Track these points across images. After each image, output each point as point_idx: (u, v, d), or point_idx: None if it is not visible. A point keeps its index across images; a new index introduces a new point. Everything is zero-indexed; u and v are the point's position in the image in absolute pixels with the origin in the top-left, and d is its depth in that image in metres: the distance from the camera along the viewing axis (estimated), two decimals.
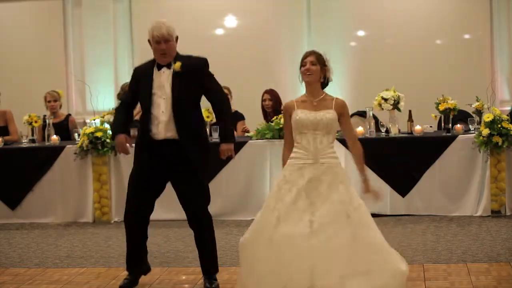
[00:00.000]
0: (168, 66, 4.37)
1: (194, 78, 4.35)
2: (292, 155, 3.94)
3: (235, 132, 7.50)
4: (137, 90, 4.46)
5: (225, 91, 7.61)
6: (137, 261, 4.55)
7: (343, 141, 4.00)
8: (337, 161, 3.91)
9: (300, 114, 3.92)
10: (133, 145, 4.52)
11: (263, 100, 7.61)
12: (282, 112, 4.21)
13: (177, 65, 4.33)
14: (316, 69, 3.97)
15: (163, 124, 4.31)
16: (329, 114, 3.91)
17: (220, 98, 4.47)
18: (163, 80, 4.34)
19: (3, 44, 9.59)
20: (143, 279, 4.79)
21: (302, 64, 4.00)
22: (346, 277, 3.57)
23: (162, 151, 4.33)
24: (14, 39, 9.59)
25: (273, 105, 7.49)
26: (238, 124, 7.59)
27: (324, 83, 4.04)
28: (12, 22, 9.65)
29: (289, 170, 3.89)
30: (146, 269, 4.69)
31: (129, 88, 4.62)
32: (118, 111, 4.69)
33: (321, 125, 3.89)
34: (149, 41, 4.41)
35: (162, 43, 4.31)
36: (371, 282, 3.60)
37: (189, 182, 4.37)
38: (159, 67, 4.38)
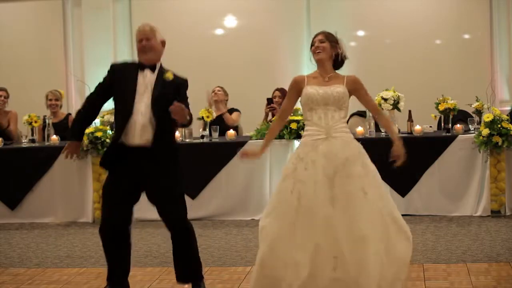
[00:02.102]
0: (152, 69, 4.19)
1: (174, 91, 4.16)
2: (304, 133, 3.92)
3: (231, 119, 7.59)
4: (112, 88, 4.21)
5: (219, 88, 7.69)
6: (116, 277, 4.24)
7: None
8: (350, 135, 3.89)
9: (310, 90, 3.89)
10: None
11: (273, 97, 7.59)
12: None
13: (169, 74, 4.19)
14: (325, 46, 3.95)
15: (140, 128, 4.08)
16: (340, 88, 3.87)
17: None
18: (146, 83, 4.16)
19: (3, 44, 9.59)
20: (143, 278, 4.80)
21: (312, 44, 4.00)
22: (368, 255, 3.58)
23: (135, 159, 4.11)
24: (14, 39, 9.59)
25: (282, 102, 7.47)
26: (233, 114, 7.62)
27: (338, 62, 4.00)
28: (12, 22, 9.65)
29: (302, 148, 3.85)
30: (126, 286, 4.31)
31: (102, 83, 4.30)
32: (84, 105, 4.37)
33: (331, 99, 3.85)
34: (137, 48, 4.25)
35: (144, 40, 4.18)
36: (391, 254, 3.64)
37: (164, 193, 4.17)
38: (142, 68, 4.19)
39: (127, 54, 9.44)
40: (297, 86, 3.97)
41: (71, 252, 5.70)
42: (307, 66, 8.42)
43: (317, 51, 3.95)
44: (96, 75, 9.38)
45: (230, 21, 9.41)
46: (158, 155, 4.10)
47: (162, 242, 5.86)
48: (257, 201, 6.71)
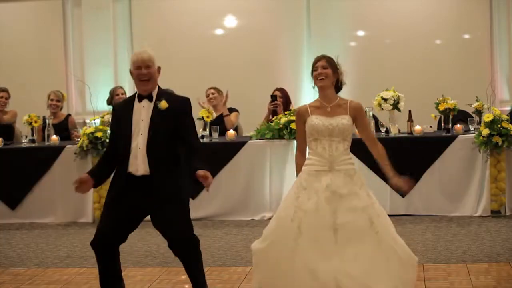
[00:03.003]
0: (149, 98, 4.16)
1: (174, 116, 4.13)
2: (306, 162, 3.87)
3: (231, 122, 7.54)
4: (116, 128, 4.26)
5: (212, 91, 7.65)
6: (110, 284, 4.29)
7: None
8: (353, 167, 3.85)
9: (315, 120, 3.85)
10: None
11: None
12: (294, 116, 3.99)
13: (163, 104, 4.12)
14: (328, 72, 3.89)
15: (140, 159, 4.09)
16: (345, 120, 3.84)
17: (195, 142, 4.21)
18: (143, 115, 4.14)
19: (3, 44, 9.59)
20: (143, 278, 4.80)
21: (314, 69, 3.93)
22: (371, 284, 3.53)
23: (138, 188, 4.12)
24: (14, 39, 9.59)
25: (283, 102, 7.47)
26: (232, 115, 7.60)
27: (337, 87, 3.98)
28: (12, 22, 9.65)
29: (305, 177, 3.81)
30: None
31: (111, 128, 4.40)
32: (104, 154, 4.45)
33: (336, 131, 3.82)
34: (130, 71, 4.23)
35: (143, 68, 4.12)
36: (398, 282, 3.61)
37: (166, 218, 4.14)
38: (140, 99, 4.18)
39: (127, 54, 9.42)
40: (302, 117, 3.92)
41: (71, 252, 5.70)
42: (307, 66, 8.42)
43: (320, 77, 3.90)
44: (96, 75, 9.47)
45: (230, 21, 9.41)
46: (158, 184, 4.08)
47: (162, 242, 5.86)
48: (257, 201, 6.71)
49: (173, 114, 4.11)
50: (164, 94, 4.19)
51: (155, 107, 4.12)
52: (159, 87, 4.21)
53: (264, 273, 3.75)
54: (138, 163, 4.09)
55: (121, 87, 7.89)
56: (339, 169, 3.78)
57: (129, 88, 8.60)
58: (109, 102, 7.81)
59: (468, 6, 8.94)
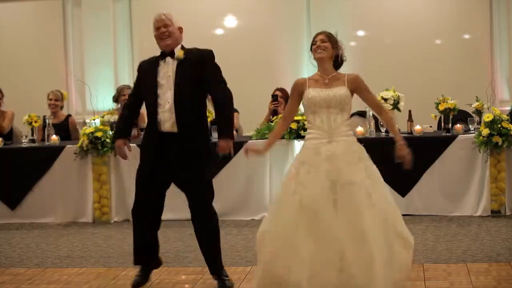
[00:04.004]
0: (172, 55, 4.36)
1: (198, 68, 4.32)
2: (306, 136, 3.92)
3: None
4: (141, 83, 4.47)
5: None
6: (146, 256, 4.55)
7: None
8: (353, 138, 3.88)
9: (312, 93, 3.87)
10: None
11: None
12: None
13: (180, 52, 4.35)
14: (327, 46, 3.94)
15: (166, 115, 4.29)
16: (342, 91, 3.86)
17: (221, 90, 4.38)
18: (168, 70, 4.34)
19: (3, 44, 9.59)
20: None
21: (313, 43, 3.99)
22: (371, 259, 3.56)
23: (164, 146, 4.31)
24: (14, 39, 9.59)
25: (284, 102, 7.47)
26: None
27: (338, 63, 4.01)
28: (12, 22, 9.65)
29: (304, 151, 3.85)
30: (156, 264, 4.66)
31: (134, 83, 4.63)
32: (124, 107, 4.74)
33: (334, 102, 3.84)
34: (155, 37, 4.46)
35: (162, 28, 4.37)
36: (392, 261, 3.64)
37: (189, 179, 4.35)
38: (163, 56, 4.39)
39: (127, 54, 9.44)
40: (299, 89, 3.97)
41: (71, 252, 5.70)
42: (307, 66, 8.43)
43: (319, 50, 3.94)
44: (96, 75, 9.48)
45: (230, 21, 9.41)
46: (184, 141, 4.27)
47: (163, 242, 5.86)
48: (257, 201, 6.71)
49: (196, 66, 4.33)
50: (185, 48, 4.42)
51: (178, 62, 4.33)
52: (182, 45, 4.44)
53: (269, 249, 3.75)
54: (166, 118, 4.29)
55: (129, 87, 7.86)
56: (338, 140, 3.81)
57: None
58: (115, 99, 7.85)
59: (468, 6, 8.94)
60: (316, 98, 3.86)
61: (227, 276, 4.44)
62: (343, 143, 3.81)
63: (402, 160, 3.93)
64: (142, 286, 4.52)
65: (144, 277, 4.54)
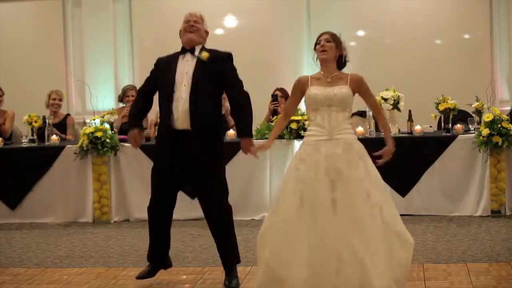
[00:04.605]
0: (192, 52, 4.38)
1: (217, 69, 4.35)
2: (306, 133, 3.94)
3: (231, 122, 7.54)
4: (158, 78, 4.47)
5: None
6: (159, 254, 4.60)
7: None
8: (353, 136, 3.90)
9: (313, 91, 3.89)
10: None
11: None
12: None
13: (205, 54, 4.37)
14: (331, 46, 3.97)
15: (181, 113, 4.30)
16: (344, 89, 3.88)
17: (239, 91, 4.42)
18: (186, 67, 4.36)
19: (3, 44, 9.59)
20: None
21: (317, 43, 4.00)
22: (369, 258, 3.57)
23: (179, 143, 4.33)
24: (14, 39, 9.59)
25: (284, 102, 7.46)
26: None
27: (341, 63, 4.03)
28: (12, 22, 9.65)
29: (304, 148, 3.86)
30: (167, 265, 4.71)
31: (150, 76, 4.59)
32: (136, 99, 4.70)
33: (335, 100, 3.85)
34: (180, 31, 4.49)
35: (192, 21, 4.42)
36: (391, 261, 3.64)
37: (203, 177, 4.37)
38: (183, 52, 4.40)
39: (127, 54, 9.44)
40: (301, 86, 3.99)
41: (71, 252, 5.70)
42: (307, 66, 8.45)
43: (323, 50, 3.96)
44: (96, 75, 9.48)
45: (230, 21, 9.42)
46: (198, 139, 4.29)
47: None
48: (257, 201, 6.71)
49: (215, 66, 4.35)
50: (206, 49, 4.43)
51: (198, 60, 4.35)
52: (203, 46, 4.45)
53: (269, 248, 3.76)
54: (180, 114, 4.30)
55: (133, 89, 7.83)
56: (338, 137, 3.82)
57: None
58: (120, 99, 7.88)
59: (468, 6, 8.94)
60: (318, 96, 3.87)
61: (236, 276, 4.47)
62: (343, 141, 3.82)
63: (383, 155, 3.96)
64: (145, 279, 4.58)
65: (151, 272, 4.59)
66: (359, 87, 3.95)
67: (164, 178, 4.41)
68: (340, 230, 3.63)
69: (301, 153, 3.86)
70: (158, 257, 4.61)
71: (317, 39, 4.03)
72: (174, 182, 4.44)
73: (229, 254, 4.52)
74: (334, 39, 4.01)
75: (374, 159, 3.91)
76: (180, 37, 4.50)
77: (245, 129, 4.40)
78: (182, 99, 4.30)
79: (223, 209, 4.45)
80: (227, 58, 4.45)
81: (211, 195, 4.41)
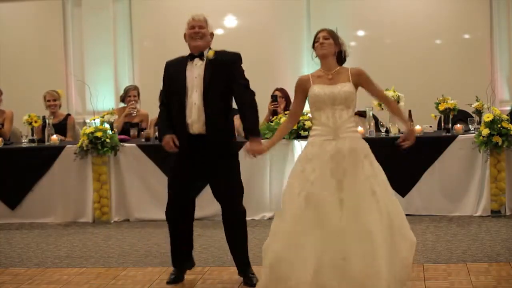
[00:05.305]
0: (201, 57, 4.40)
1: (226, 70, 4.36)
2: (311, 133, 3.94)
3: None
4: (169, 85, 4.48)
5: None
6: (182, 256, 4.63)
7: None
8: (358, 135, 3.90)
9: (316, 90, 3.89)
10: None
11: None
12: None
13: (210, 53, 4.39)
14: (329, 42, 3.97)
15: (195, 117, 4.32)
16: (346, 87, 3.87)
17: (246, 92, 4.41)
18: (196, 72, 4.37)
19: (3, 44, 9.59)
20: (143, 278, 4.80)
21: (315, 40, 4.01)
22: (374, 257, 3.57)
23: (194, 148, 4.35)
24: (14, 39, 9.59)
25: (284, 102, 7.46)
26: (234, 118, 7.54)
27: (341, 58, 4.03)
28: (12, 22, 9.65)
29: (310, 148, 3.86)
30: (191, 265, 4.73)
31: (163, 87, 4.59)
32: (161, 112, 4.62)
33: (339, 98, 3.85)
34: (184, 35, 4.50)
35: (196, 28, 4.44)
36: (395, 260, 3.64)
37: (219, 180, 4.43)
38: (192, 58, 4.41)
39: (127, 54, 9.44)
40: (303, 85, 3.98)
41: (71, 252, 5.70)
42: (307, 66, 8.44)
43: (322, 46, 3.96)
44: (96, 75, 9.47)
45: (230, 21, 9.41)
46: (213, 142, 4.33)
47: (162, 242, 5.86)
48: (257, 201, 6.70)
49: (224, 68, 4.36)
50: (214, 50, 4.44)
51: (207, 62, 4.36)
52: (210, 48, 4.47)
53: (275, 248, 3.76)
54: (193, 120, 4.31)
55: (135, 89, 7.82)
56: (343, 136, 3.82)
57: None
58: (122, 99, 7.89)
59: (468, 6, 8.94)
60: (321, 95, 3.86)
61: (253, 274, 4.48)
62: (348, 140, 3.82)
63: (403, 143, 3.94)
64: (178, 284, 4.61)
65: (179, 276, 4.62)
66: (360, 79, 3.94)
67: (183, 183, 4.44)
68: (346, 230, 3.63)
69: (307, 154, 3.85)
70: (182, 260, 4.65)
71: (315, 37, 4.03)
72: (192, 187, 4.49)
73: (244, 257, 4.53)
74: (332, 35, 4.01)
75: (397, 147, 3.91)
76: (185, 41, 4.50)
77: (254, 129, 4.41)
78: (195, 104, 4.32)
79: (241, 212, 4.51)
80: (235, 59, 4.48)
81: (229, 198, 4.46)
